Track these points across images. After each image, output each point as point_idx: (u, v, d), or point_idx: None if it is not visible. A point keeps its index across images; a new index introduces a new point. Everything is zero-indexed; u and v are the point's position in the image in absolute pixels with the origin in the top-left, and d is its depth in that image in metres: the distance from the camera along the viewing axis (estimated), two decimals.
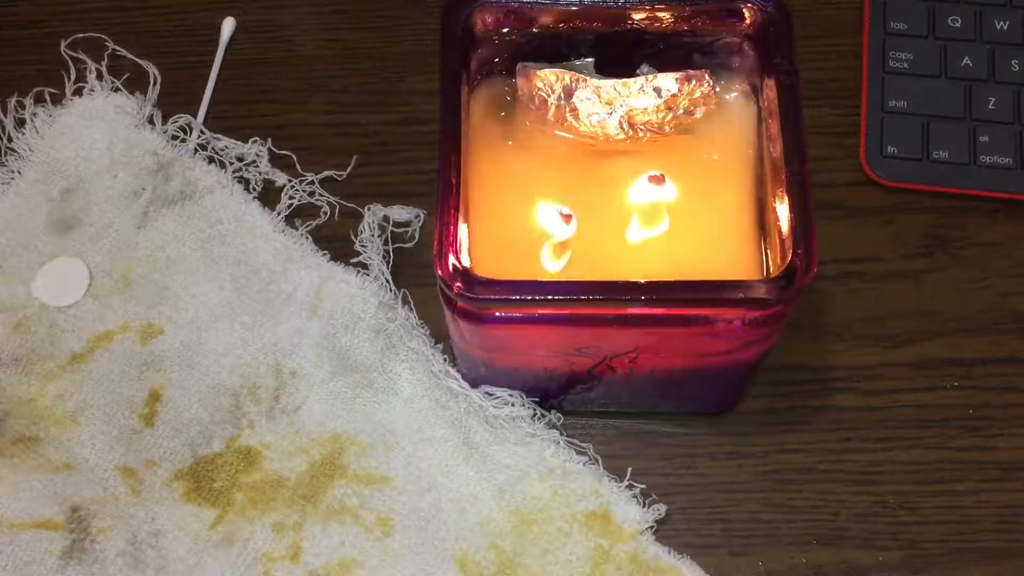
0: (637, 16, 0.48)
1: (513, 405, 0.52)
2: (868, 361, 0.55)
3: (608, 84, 0.48)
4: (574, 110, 0.48)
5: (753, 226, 0.48)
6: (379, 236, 0.56)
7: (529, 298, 0.43)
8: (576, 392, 0.52)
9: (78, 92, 0.60)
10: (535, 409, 0.53)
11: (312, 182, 0.58)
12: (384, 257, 0.56)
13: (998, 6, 0.60)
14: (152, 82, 0.61)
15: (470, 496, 0.52)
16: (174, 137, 0.59)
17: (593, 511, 0.51)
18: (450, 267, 0.43)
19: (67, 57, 0.61)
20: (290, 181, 0.58)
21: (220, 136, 0.59)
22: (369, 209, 0.56)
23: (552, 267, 0.47)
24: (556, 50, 0.49)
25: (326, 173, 0.59)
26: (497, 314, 0.45)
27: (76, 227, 0.57)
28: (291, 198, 0.58)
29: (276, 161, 0.59)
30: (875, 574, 0.51)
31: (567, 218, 0.46)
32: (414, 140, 0.60)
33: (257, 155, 0.59)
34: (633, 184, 0.48)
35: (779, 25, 0.47)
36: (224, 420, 0.53)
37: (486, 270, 0.44)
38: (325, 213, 0.58)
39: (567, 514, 0.51)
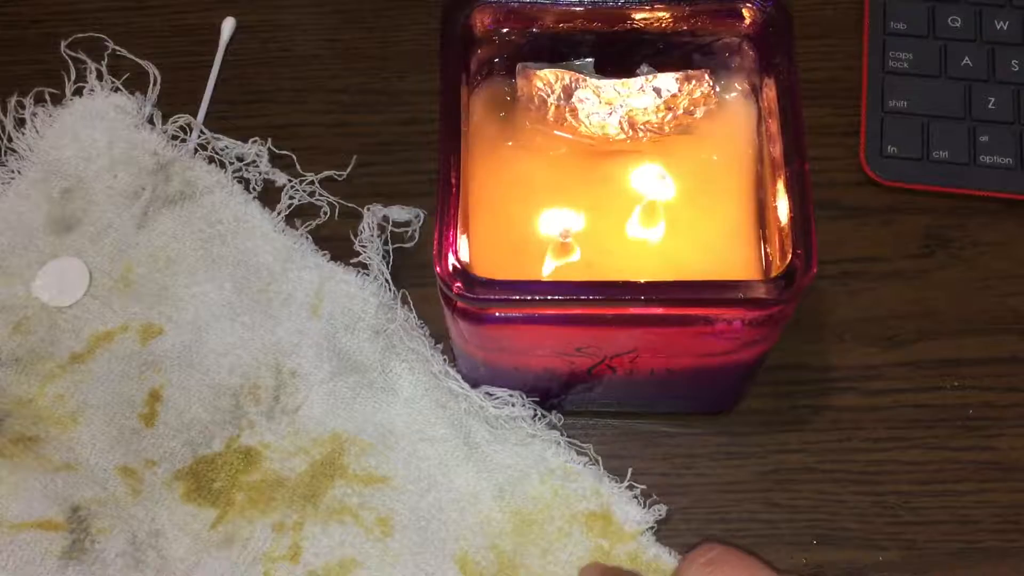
0: (637, 16, 0.48)
1: (513, 405, 0.52)
2: (868, 361, 0.55)
3: (608, 84, 0.48)
4: (574, 110, 0.48)
5: (753, 226, 0.48)
6: (379, 236, 0.56)
7: (529, 298, 0.43)
8: (576, 392, 0.52)
9: (78, 92, 0.60)
10: (535, 409, 0.53)
11: (312, 182, 0.58)
12: (384, 257, 0.56)
13: (998, 6, 0.60)
14: (152, 82, 0.61)
15: (470, 496, 0.52)
16: (174, 137, 0.59)
17: (593, 511, 0.51)
18: (450, 267, 0.43)
19: (67, 57, 0.61)
20: (290, 181, 0.58)
21: (220, 136, 0.59)
22: (369, 209, 0.56)
23: (552, 267, 0.47)
24: (556, 50, 0.49)
25: (326, 173, 0.59)
26: (497, 314, 0.45)
27: (76, 227, 0.57)
28: (291, 198, 0.58)
29: (276, 161, 0.59)
30: (875, 574, 0.51)
31: (566, 235, 0.47)
32: (414, 140, 0.60)
33: (257, 155, 0.59)
34: (636, 177, 0.48)
35: (779, 25, 0.47)
36: (224, 420, 0.53)
37: (486, 270, 0.44)
38: (325, 213, 0.58)
39: (567, 514, 0.51)
